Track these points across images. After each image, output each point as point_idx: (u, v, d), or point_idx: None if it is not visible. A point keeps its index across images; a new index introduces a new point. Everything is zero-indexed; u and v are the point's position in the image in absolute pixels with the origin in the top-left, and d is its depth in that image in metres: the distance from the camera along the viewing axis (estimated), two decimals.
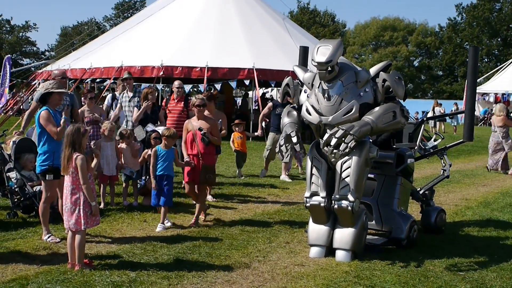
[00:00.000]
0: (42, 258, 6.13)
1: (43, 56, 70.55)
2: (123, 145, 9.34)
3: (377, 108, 6.42)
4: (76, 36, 57.31)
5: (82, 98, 11.58)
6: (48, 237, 6.84)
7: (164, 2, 25.79)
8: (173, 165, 7.97)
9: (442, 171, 8.61)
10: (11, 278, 5.46)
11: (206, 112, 8.59)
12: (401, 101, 6.84)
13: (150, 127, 9.72)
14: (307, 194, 6.64)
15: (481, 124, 41.39)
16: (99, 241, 6.94)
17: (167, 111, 10.70)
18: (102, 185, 9.12)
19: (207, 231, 7.60)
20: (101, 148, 8.83)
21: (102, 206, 8.64)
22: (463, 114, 7.85)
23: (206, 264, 6.12)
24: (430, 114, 31.72)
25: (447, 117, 32.48)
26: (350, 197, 6.33)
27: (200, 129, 7.97)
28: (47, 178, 6.82)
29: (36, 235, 7.05)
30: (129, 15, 63.76)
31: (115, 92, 12.24)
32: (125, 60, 21.52)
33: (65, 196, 5.89)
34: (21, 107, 27.38)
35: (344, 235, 6.49)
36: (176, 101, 10.69)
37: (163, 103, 11.38)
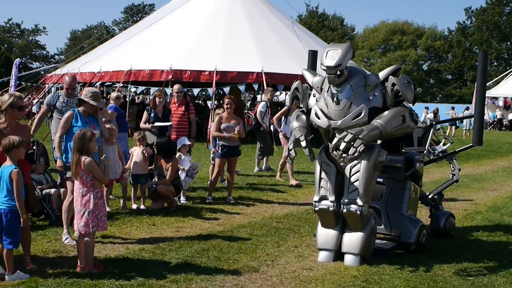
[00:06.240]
0: (51, 261, 6.15)
1: (52, 59, 70.92)
2: (135, 148, 9.40)
3: (386, 112, 6.41)
4: (85, 40, 57.51)
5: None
6: (66, 239, 6.86)
7: (173, 6, 25.89)
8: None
9: (451, 175, 8.57)
10: (20, 281, 5.48)
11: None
12: (410, 105, 6.83)
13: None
14: (315, 198, 6.64)
15: (490, 128, 41.19)
16: (108, 243, 6.96)
17: None
18: (107, 188, 9.12)
19: (216, 235, 7.60)
20: (104, 152, 8.81)
21: (108, 209, 8.63)
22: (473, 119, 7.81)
23: (214, 268, 6.12)
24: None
25: (457, 122, 32.30)
26: (359, 201, 6.33)
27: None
28: (66, 176, 6.91)
29: (45, 238, 7.08)
30: (138, 19, 64.06)
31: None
32: (134, 63, 21.60)
33: (75, 199, 5.97)
34: (31, 110, 27.48)
35: (352, 240, 6.48)
36: (176, 105, 10.67)
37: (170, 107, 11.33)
